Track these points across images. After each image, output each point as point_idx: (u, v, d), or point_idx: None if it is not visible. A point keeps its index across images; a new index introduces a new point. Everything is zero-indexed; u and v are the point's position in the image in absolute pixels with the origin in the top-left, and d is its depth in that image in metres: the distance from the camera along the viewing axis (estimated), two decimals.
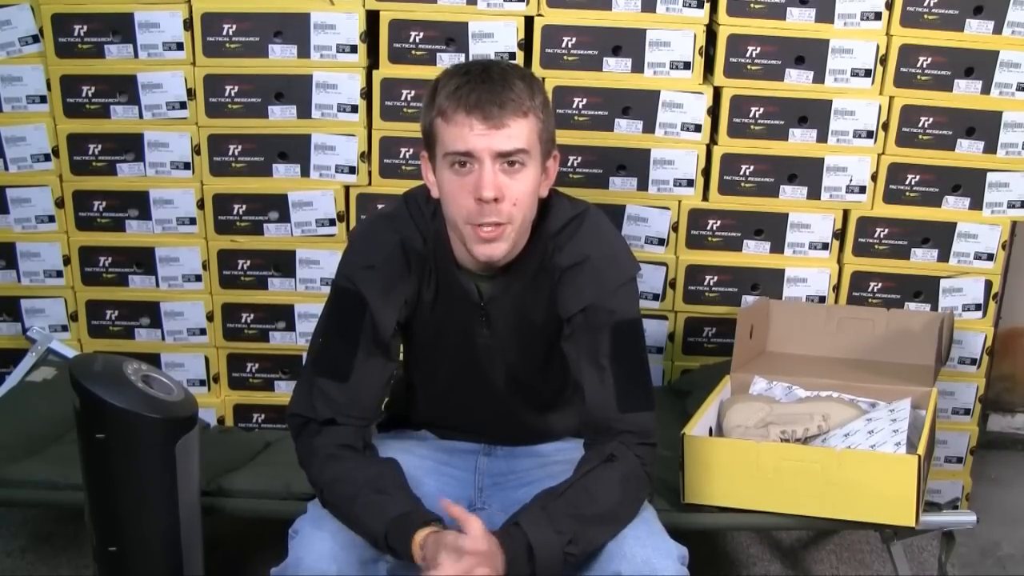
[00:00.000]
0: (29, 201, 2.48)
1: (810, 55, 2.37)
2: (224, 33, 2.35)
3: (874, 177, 2.44)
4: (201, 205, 2.46)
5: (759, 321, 2.42)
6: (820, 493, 1.93)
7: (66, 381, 1.76)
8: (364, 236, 1.79)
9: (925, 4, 2.33)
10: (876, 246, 2.49)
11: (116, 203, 2.47)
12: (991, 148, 2.41)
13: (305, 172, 2.45)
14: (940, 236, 2.48)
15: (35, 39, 2.39)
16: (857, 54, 2.36)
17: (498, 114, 1.60)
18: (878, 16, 2.34)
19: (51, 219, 2.49)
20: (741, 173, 2.44)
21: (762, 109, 2.40)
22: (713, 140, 2.44)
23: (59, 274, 2.52)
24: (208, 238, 2.48)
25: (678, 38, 2.36)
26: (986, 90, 2.38)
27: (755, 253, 2.51)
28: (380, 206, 2.24)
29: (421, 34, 2.37)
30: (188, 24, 2.35)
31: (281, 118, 2.41)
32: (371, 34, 2.38)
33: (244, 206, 2.46)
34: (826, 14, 2.34)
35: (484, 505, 1.84)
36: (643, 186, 2.46)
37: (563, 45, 2.37)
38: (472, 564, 1.52)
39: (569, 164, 2.43)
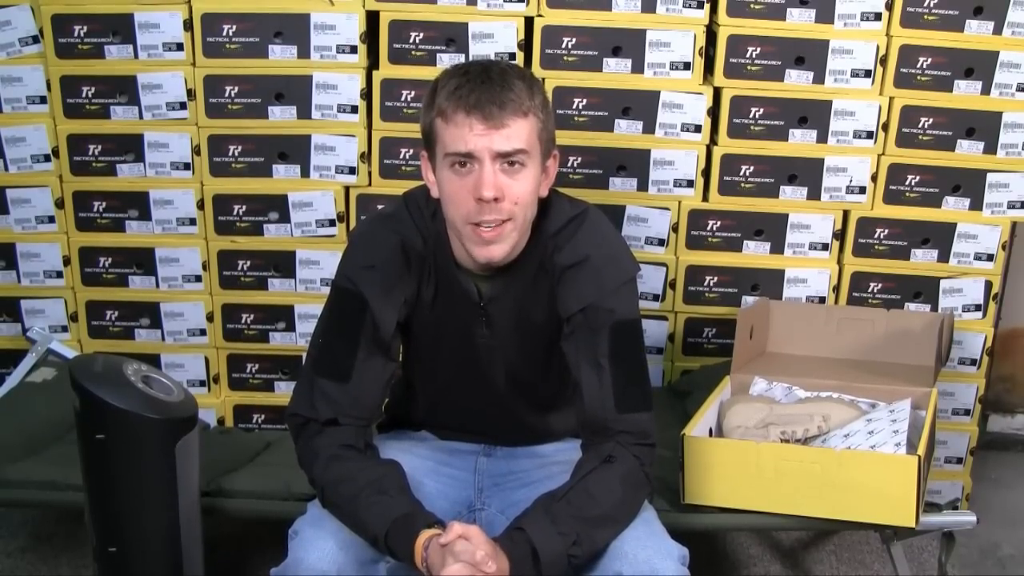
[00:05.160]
0: (29, 202, 2.48)
1: (810, 56, 2.37)
2: (224, 33, 2.35)
3: (874, 178, 2.44)
4: (201, 206, 2.46)
5: (759, 322, 2.42)
6: (820, 494, 1.93)
7: (66, 382, 1.76)
8: (364, 236, 1.79)
9: (925, 4, 2.33)
10: (876, 247, 2.49)
11: (116, 204, 2.47)
12: (991, 149, 2.41)
13: (305, 173, 2.45)
14: (940, 236, 2.48)
15: (35, 40, 2.39)
16: (857, 55, 2.36)
17: (498, 114, 1.60)
18: (878, 17, 2.34)
19: (51, 220, 2.49)
20: (741, 174, 2.44)
21: (762, 110, 2.40)
22: (713, 141, 2.44)
23: (59, 275, 2.52)
24: (208, 239, 2.48)
25: (678, 38, 2.37)
26: (986, 90, 2.38)
27: (755, 254, 2.51)
28: (380, 206, 2.24)
29: (421, 34, 2.37)
30: (188, 24, 2.35)
31: (281, 119, 2.41)
32: (371, 34, 2.38)
33: (244, 207, 2.46)
34: (826, 14, 2.34)
35: (484, 506, 1.84)
36: (643, 186, 2.46)
37: (563, 45, 2.37)
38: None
39: (569, 164, 2.43)
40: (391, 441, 1.89)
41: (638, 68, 2.39)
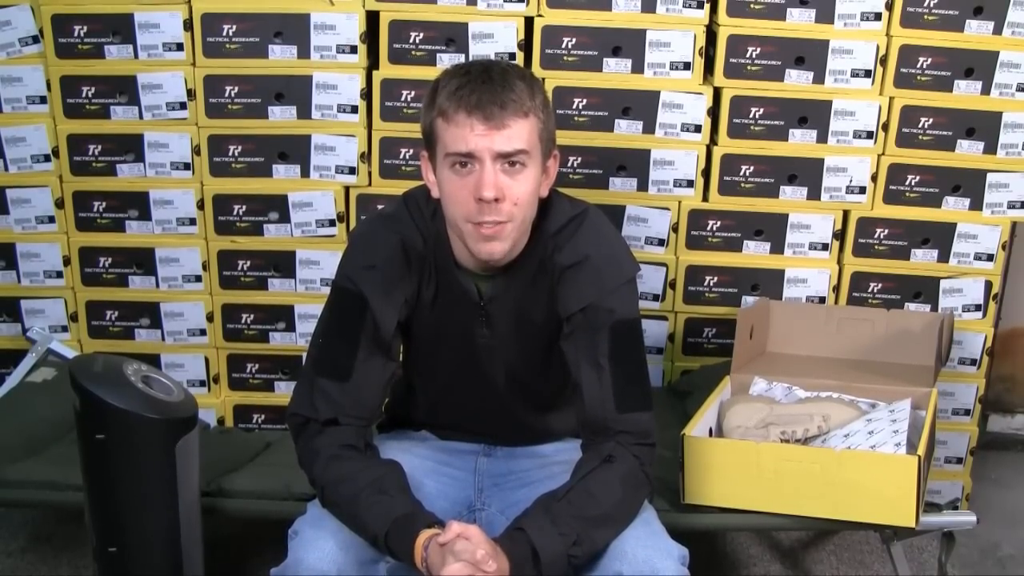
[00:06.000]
0: (29, 202, 2.47)
1: (810, 56, 2.37)
2: (224, 34, 2.35)
3: (874, 178, 2.44)
4: (201, 206, 2.46)
5: (759, 322, 2.42)
6: (820, 494, 1.93)
7: (66, 382, 1.76)
8: (364, 236, 1.80)
9: (925, 4, 2.33)
10: (876, 247, 2.49)
11: (116, 204, 2.47)
12: (991, 149, 2.41)
13: (305, 173, 2.45)
14: (940, 236, 2.48)
15: (35, 40, 2.39)
16: (857, 55, 2.36)
17: (499, 114, 1.60)
18: (878, 17, 2.34)
19: (51, 220, 2.49)
20: (741, 174, 2.44)
21: (762, 110, 2.40)
22: (713, 141, 2.44)
23: (59, 275, 2.52)
24: (208, 239, 2.48)
25: (678, 38, 2.37)
26: (986, 91, 2.38)
27: (755, 254, 2.51)
28: (380, 207, 2.24)
29: (421, 35, 2.37)
30: (188, 24, 2.35)
31: (281, 119, 2.41)
32: (371, 34, 2.38)
33: (244, 207, 2.46)
34: (826, 14, 2.34)
35: (484, 506, 1.84)
36: (643, 186, 2.46)
37: (563, 46, 2.37)
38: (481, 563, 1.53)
39: (569, 164, 2.43)
40: (391, 441, 1.89)
41: (638, 68, 2.39)
